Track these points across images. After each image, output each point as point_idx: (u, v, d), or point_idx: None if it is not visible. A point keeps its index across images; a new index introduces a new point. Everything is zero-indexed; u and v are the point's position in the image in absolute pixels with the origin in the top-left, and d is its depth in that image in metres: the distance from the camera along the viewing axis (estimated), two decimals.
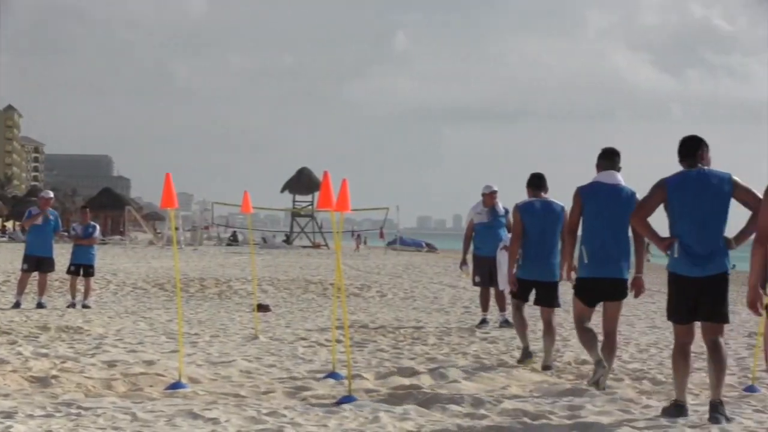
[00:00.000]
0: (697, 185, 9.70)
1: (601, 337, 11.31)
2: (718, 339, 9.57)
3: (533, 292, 13.07)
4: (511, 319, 18.05)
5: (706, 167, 9.80)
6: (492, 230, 17.76)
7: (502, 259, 16.15)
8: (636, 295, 10.98)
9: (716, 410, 9.48)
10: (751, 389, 11.37)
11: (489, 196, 17.99)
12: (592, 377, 11.32)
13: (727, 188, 9.68)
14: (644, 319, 20.51)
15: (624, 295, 11.19)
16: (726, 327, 9.70)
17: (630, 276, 11.10)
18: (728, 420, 9.44)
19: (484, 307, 18.18)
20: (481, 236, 17.95)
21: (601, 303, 11.20)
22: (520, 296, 13.14)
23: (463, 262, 18.51)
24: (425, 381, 11.58)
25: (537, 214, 12.86)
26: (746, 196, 9.61)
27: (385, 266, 44.36)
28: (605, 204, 11.06)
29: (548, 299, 12.88)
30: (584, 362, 13.11)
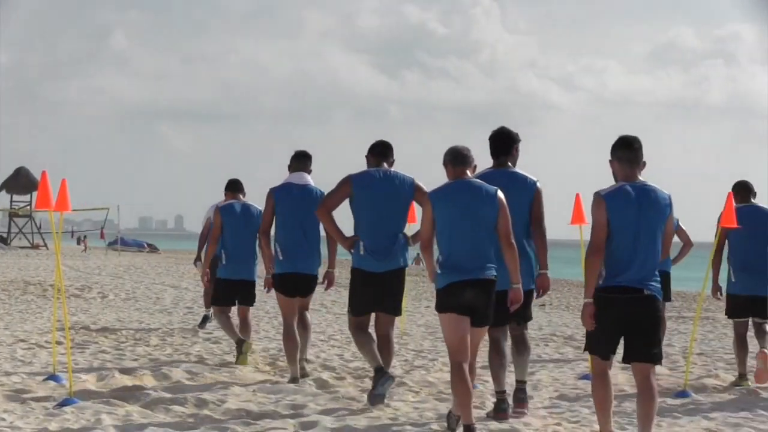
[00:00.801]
0: (381, 186, 10.37)
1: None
2: (390, 331, 10.53)
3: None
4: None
5: (391, 170, 10.48)
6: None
7: None
8: (326, 288, 11.47)
9: (379, 396, 10.34)
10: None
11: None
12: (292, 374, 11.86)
13: (409, 191, 10.41)
14: None
15: (312, 289, 11.89)
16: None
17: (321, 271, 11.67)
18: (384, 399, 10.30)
19: (208, 304, 18.19)
20: None
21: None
22: (223, 299, 13.62)
23: (197, 259, 18.43)
24: (148, 382, 11.51)
25: (236, 215, 13.52)
26: (425, 200, 9.88)
27: (106, 267, 43.62)
28: (296, 204, 11.56)
29: (247, 298, 13.59)
30: (306, 361, 13.29)
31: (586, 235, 12.84)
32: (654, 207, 8.22)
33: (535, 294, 10.00)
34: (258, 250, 13.08)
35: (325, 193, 10.76)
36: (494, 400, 10.04)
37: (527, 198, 9.81)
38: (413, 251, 10.38)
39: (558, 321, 23.16)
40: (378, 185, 10.34)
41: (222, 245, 13.58)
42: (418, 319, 21.77)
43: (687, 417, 10.33)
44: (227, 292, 13.55)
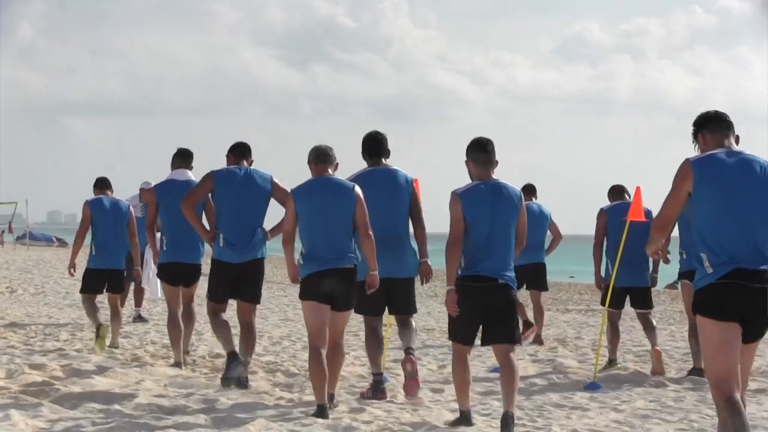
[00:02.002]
0: (242, 182, 11.08)
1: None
2: (251, 319, 11.32)
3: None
4: (144, 314, 18.10)
5: (251, 168, 11.22)
6: (143, 225, 17.83)
7: (148, 255, 16.62)
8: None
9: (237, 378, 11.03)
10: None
11: (147, 192, 17.99)
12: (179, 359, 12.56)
13: (268, 188, 11.11)
14: (277, 312, 20.85)
15: (196, 279, 12.55)
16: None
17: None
18: (244, 386, 10.93)
19: (121, 302, 18.07)
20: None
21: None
22: (92, 288, 14.36)
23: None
24: (58, 377, 11.38)
25: (105, 209, 14.39)
26: (283, 196, 10.90)
27: (14, 261, 43.09)
28: (179, 198, 11.74)
29: (116, 286, 14.40)
30: (218, 356, 13.25)
31: None
32: (506, 202, 9.04)
33: (422, 282, 10.70)
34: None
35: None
36: (372, 381, 10.69)
37: (407, 193, 10.60)
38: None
39: None
40: (239, 181, 11.06)
41: (92, 238, 14.40)
42: None
43: (596, 409, 10.46)
44: (96, 281, 14.31)
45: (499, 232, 8.98)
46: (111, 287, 14.37)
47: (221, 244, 11.03)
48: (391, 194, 10.52)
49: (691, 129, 7.55)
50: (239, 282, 11.11)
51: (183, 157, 12.77)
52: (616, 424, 9.71)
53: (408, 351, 10.55)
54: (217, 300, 11.24)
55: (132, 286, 18.00)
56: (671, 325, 21.74)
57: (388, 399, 10.54)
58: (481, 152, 9.13)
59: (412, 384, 10.42)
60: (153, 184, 18.06)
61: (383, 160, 10.69)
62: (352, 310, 9.87)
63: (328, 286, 9.52)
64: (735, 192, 7.10)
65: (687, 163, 7.16)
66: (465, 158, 9.22)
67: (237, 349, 11.16)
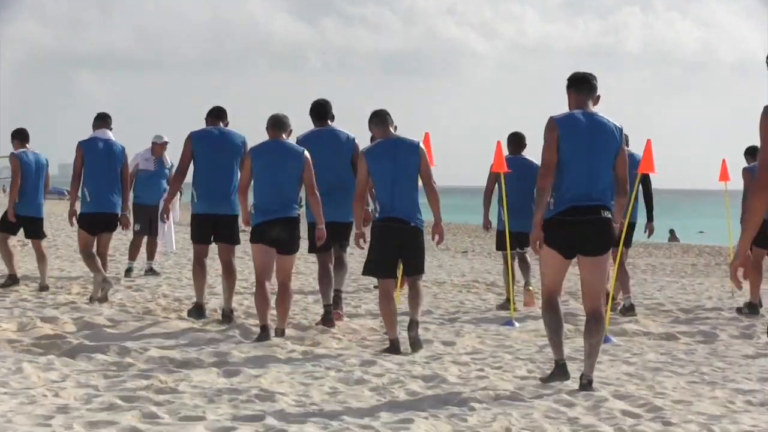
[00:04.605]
0: (216, 140, 12.50)
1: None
2: (231, 258, 12.61)
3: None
4: (156, 268, 18.10)
5: (226, 128, 12.66)
6: (155, 179, 17.91)
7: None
8: (124, 227, 14.70)
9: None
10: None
11: (160, 147, 18.09)
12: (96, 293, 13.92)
13: (241, 146, 12.49)
14: None
15: (114, 227, 14.37)
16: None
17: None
18: None
19: (133, 255, 18.07)
20: (143, 184, 17.93)
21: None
22: (6, 228, 15.80)
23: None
24: (70, 330, 11.40)
25: (30, 163, 15.74)
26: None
27: None
28: (100, 157, 14.17)
29: (35, 232, 15.90)
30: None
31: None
32: (406, 156, 10.53)
33: (354, 229, 11.38)
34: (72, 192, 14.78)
35: (124, 150, 14.35)
36: (323, 312, 12.26)
37: (348, 149, 12.19)
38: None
39: (480, 268, 23.31)
40: (214, 139, 12.55)
41: (15, 187, 15.68)
42: None
43: (607, 362, 10.45)
44: (13, 224, 15.76)
45: (402, 183, 10.48)
46: (28, 233, 15.97)
47: (196, 200, 12.51)
48: (334, 150, 12.15)
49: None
50: (217, 229, 12.52)
51: (103, 119, 14.56)
52: (627, 377, 9.71)
53: (338, 296, 12.43)
54: (199, 242, 12.63)
55: (144, 239, 17.99)
56: (683, 278, 21.74)
57: (401, 353, 10.57)
58: (376, 117, 10.77)
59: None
60: (165, 137, 18.09)
61: (328, 122, 12.32)
62: (296, 253, 11.51)
63: (274, 234, 11.21)
64: (584, 145, 8.70)
65: (552, 119, 8.76)
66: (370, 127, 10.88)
67: (204, 301, 12.89)
